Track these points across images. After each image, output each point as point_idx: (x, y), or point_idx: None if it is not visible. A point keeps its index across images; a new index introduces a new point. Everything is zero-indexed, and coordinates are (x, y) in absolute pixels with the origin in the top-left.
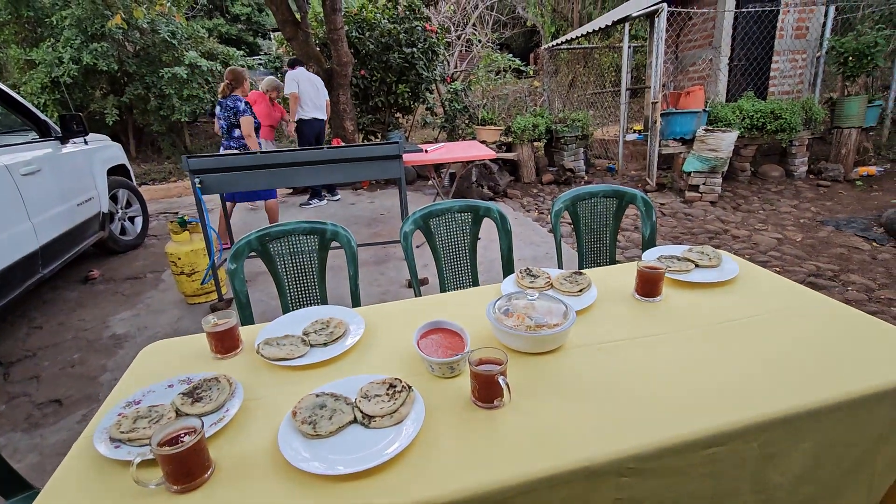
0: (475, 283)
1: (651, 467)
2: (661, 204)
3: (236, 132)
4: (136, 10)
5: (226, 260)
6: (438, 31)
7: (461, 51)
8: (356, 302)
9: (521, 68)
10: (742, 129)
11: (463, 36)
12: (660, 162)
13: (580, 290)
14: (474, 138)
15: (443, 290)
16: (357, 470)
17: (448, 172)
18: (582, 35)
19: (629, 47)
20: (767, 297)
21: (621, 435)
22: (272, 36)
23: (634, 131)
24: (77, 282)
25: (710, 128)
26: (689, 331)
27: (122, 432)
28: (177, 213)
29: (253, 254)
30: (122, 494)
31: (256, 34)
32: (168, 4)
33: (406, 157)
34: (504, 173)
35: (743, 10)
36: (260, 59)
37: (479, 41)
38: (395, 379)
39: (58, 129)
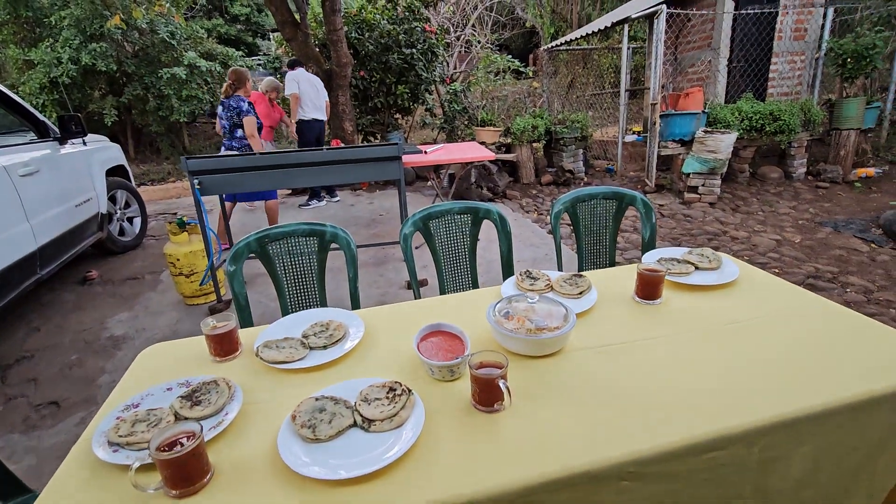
0: (475, 285)
1: (652, 471)
2: (660, 205)
3: (238, 132)
4: (135, 11)
5: (225, 261)
6: (438, 31)
7: (460, 52)
8: (356, 304)
9: (521, 69)
10: (741, 131)
11: (462, 37)
12: (659, 163)
13: (580, 293)
14: (473, 139)
15: (442, 291)
16: (357, 474)
17: (447, 173)
18: (581, 36)
19: (628, 48)
20: (767, 299)
21: (622, 439)
22: (271, 36)
23: (633, 132)
24: (75, 283)
25: (709, 129)
26: (690, 333)
27: (120, 436)
28: (175, 213)
29: (252, 255)
30: (120, 499)
31: (255, 35)
32: (167, 5)
33: (405, 158)
34: (503, 174)
35: (742, 11)
36: (259, 60)
37: (479, 42)
38: (395, 382)
39: (56, 129)
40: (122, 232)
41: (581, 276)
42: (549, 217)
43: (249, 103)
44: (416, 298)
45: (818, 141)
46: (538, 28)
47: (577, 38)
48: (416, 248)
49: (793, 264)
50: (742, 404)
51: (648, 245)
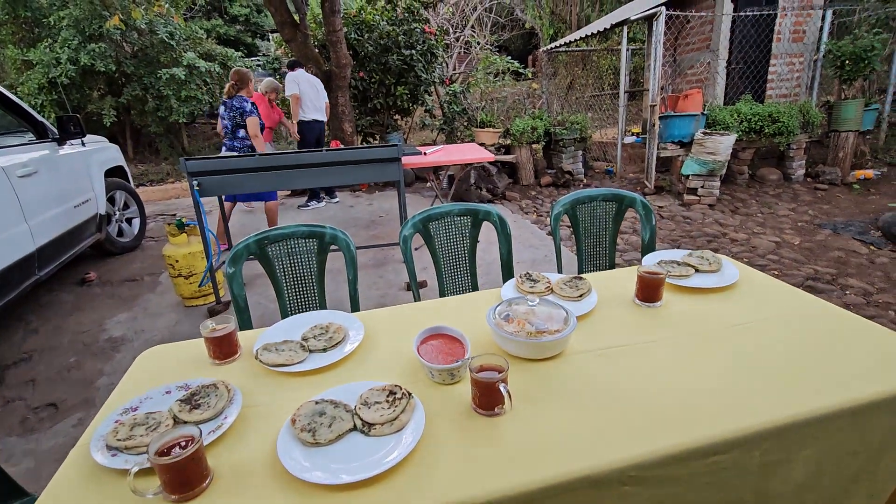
0: (475, 287)
1: (653, 476)
2: (660, 207)
3: (241, 133)
4: (134, 11)
5: (224, 262)
6: (437, 33)
7: (460, 53)
8: (355, 306)
9: (520, 70)
10: (740, 133)
11: (461, 38)
12: (658, 165)
13: (580, 296)
14: (473, 140)
15: (442, 293)
16: (357, 479)
17: (447, 175)
18: (580, 38)
19: (627, 50)
20: (767, 302)
21: (623, 442)
22: (271, 37)
23: (633, 134)
24: (74, 284)
25: (708, 131)
26: (690, 336)
27: (118, 440)
28: (174, 214)
29: (251, 257)
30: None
31: (255, 35)
32: (166, 5)
33: (405, 159)
34: (502, 176)
35: (741, 13)
36: (258, 61)
37: (478, 43)
38: (395, 385)
39: (55, 130)
40: (120, 233)
41: (581, 278)
42: (548, 219)
43: (252, 104)
44: (415, 300)
45: (817, 143)
46: (537, 29)
47: (576, 40)
48: (416, 249)
49: (792, 266)
50: (743, 407)
51: (648, 247)
